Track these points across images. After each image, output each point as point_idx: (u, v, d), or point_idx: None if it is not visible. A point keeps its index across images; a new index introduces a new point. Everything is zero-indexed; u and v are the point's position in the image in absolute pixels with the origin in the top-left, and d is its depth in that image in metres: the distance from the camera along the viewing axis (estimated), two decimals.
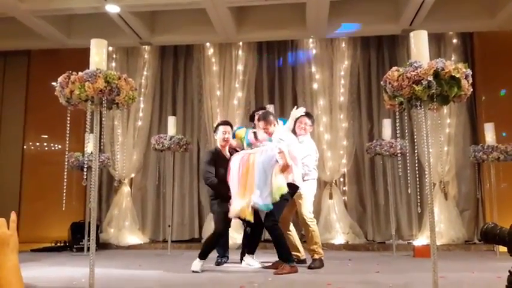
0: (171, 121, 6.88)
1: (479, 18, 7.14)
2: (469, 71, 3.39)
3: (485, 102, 7.61)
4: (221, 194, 4.95)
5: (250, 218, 4.68)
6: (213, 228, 5.18)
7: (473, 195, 7.61)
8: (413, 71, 3.29)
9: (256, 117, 5.24)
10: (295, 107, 5.34)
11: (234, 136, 5.43)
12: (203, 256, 4.92)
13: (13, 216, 1.34)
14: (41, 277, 4.30)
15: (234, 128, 5.64)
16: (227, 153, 5.24)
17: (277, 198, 4.66)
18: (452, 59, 7.62)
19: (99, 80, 3.39)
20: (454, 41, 7.87)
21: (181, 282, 4.20)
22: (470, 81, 3.39)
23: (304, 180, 5.09)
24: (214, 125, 5.68)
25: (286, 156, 4.71)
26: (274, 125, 5.00)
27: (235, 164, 4.96)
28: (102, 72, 3.43)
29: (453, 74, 3.28)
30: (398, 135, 3.87)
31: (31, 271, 4.68)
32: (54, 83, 3.76)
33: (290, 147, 4.83)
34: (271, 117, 5.02)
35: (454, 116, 7.62)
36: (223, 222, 4.99)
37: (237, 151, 5.30)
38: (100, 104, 3.52)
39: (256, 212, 5.18)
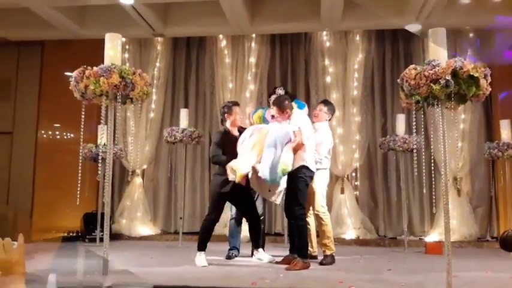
0: (184, 114, 6.89)
1: (498, 13, 6.99)
2: (488, 70, 3.33)
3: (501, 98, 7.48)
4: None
5: (241, 176, 4.56)
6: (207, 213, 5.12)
7: (487, 192, 7.53)
8: (431, 70, 3.25)
9: (270, 102, 5.17)
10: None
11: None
12: (201, 247, 4.91)
13: (20, 239, 1.18)
14: (53, 270, 4.33)
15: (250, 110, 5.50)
16: (236, 133, 5.15)
17: (282, 174, 4.56)
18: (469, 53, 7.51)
19: (114, 75, 3.39)
20: (471, 35, 7.73)
21: (194, 276, 4.20)
22: (489, 80, 3.33)
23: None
24: (223, 105, 5.43)
25: (303, 135, 4.65)
26: (288, 111, 4.83)
27: (248, 132, 4.90)
28: (117, 68, 3.43)
29: (472, 73, 3.23)
30: (414, 130, 3.82)
31: (44, 262, 4.72)
32: (67, 73, 3.76)
33: (307, 131, 4.78)
34: (286, 103, 4.83)
35: (468, 111, 7.51)
36: (216, 207, 4.95)
37: None
38: (114, 99, 3.52)
39: (253, 205, 5.15)
